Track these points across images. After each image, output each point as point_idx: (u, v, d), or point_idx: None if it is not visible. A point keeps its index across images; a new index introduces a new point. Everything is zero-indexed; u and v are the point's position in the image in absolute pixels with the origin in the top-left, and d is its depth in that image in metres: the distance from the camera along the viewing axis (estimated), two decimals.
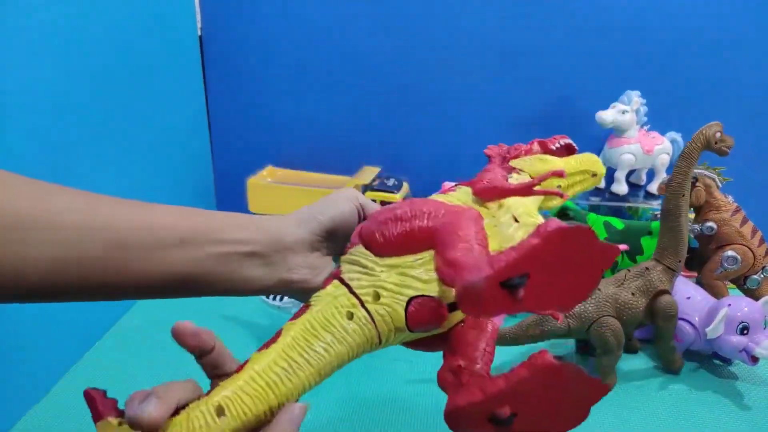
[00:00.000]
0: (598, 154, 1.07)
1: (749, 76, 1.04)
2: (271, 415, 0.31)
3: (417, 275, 0.34)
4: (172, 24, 0.98)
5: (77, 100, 0.73)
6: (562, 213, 0.95)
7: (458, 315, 0.35)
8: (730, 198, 0.85)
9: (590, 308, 0.71)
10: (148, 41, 0.89)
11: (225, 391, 0.30)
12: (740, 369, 0.77)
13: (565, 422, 0.31)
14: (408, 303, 0.34)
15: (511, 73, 1.08)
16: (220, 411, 0.30)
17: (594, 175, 0.51)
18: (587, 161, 0.51)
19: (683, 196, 0.71)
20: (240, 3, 1.09)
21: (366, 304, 0.34)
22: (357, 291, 0.34)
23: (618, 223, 0.93)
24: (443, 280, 0.33)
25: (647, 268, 0.73)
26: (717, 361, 0.79)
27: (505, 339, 0.72)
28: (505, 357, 0.79)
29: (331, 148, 1.15)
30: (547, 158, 0.49)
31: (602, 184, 1.07)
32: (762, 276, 0.84)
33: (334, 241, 0.42)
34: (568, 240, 0.26)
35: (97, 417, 0.30)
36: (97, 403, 0.31)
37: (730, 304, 0.71)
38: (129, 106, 0.84)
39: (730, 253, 0.82)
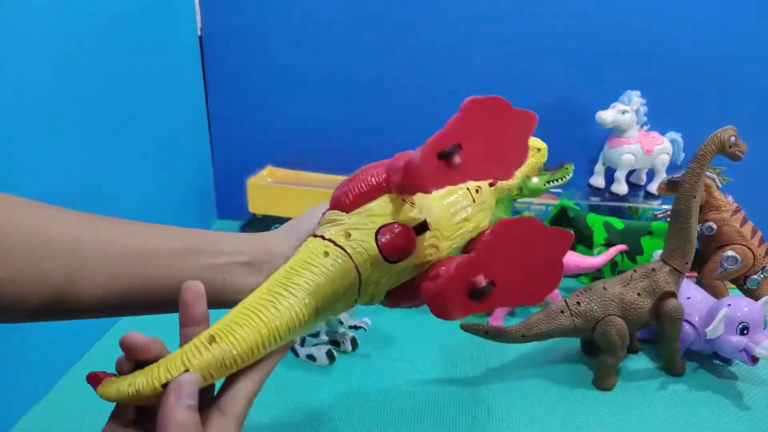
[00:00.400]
0: (598, 154, 1.07)
1: (749, 76, 1.04)
2: (262, 348, 0.32)
3: (381, 211, 0.36)
4: (172, 24, 0.98)
5: (77, 101, 0.73)
6: (562, 212, 0.95)
7: (427, 239, 0.37)
8: (730, 198, 0.85)
9: (596, 307, 0.71)
10: (148, 41, 0.89)
11: (216, 324, 0.32)
12: (740, 369, 0.77)
13: (541, 284, 0.32)
14: (377, 233, 0.36)
15: (512, 74, 1.08)
16: (211, 340, 0.31)
17: (538, 149, 0.53)
18: (530, 142, 0.53)
19: (695, 197, 0.71)
20: (240, 3, 1.09)
21: (338, 243, 0.36)
22: (329, 237, 0.36)
23: (618, 223, 0.93)
24: (397, 186, 0.36)
25: (654, 269, 0.73)
26: (717, 361, 0.79)
27: (511, 337, 0.72)
28: (512, 356, 0.79)
29: (331, 148, 1.15)
30: None
31: (602, 184, 1.07)
32: (762, 276, 0.84)
33: None
34: (484, 108, 0.31)
35: (98, 382, 0.32)
36: (100, 377, 0.32)
37: (730, 304, 0.71)
38: (129, 106, 0.84)
39: (730, 253, 0.82)
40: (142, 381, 0.30)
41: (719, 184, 0.85)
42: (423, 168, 0.31)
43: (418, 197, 0.38)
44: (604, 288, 0.73)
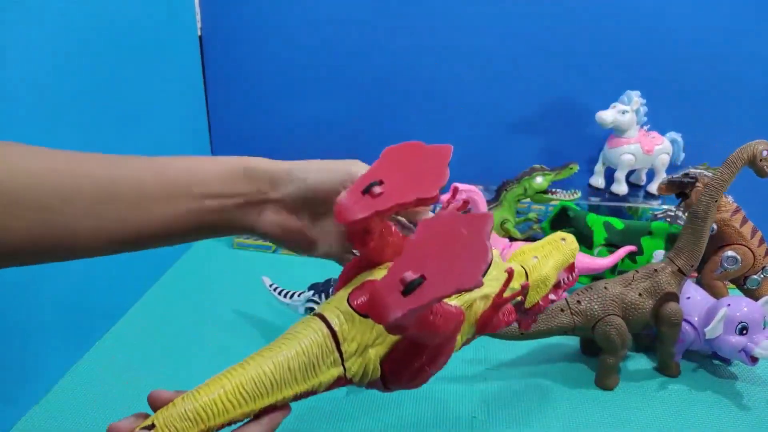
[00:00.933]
0: (598, 154, 1.07)
1: (749, 76, 1.04)
2: (228, 402, 0.33)
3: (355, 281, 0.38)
4: (172, 24, 0.98)
5: (77, 100, 0.73)
6: (562, 213, 0.95)
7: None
8: (730, 198, 0.85)
9: (596, 306, 0.72)
10: (148, 41, 0.89)
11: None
12: (740, 369, 0.77)
13: (471, 266, 0.31)
14: (350, 292, 0.37)
15: (512, 74, 1.08)
16: (182, 398, 0.33)
17: (563, 239, 0.51)
18: (553, 236, 0.52)
19: (716, 201, 0.71)
20: (240, 3, 1.09)
21: (317, 311, 0.37)
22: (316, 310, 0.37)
23: (618, 223, 0.93)
24: (347, 229, 0.37)
25: (656, 270, 0.73)
26: (717, 362, 0.79)
27: (511, 334, 0.72)
28: (512, 356, 0.79)
29: (331, 148, 1.15)
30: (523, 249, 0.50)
31: (602, 184, 1.07)
32: (762, 276, 0.84)
33: (312, 206, 0.43)
34: (401, 151, 0.37)
35: None
36: None
37: (729, 304, 0.71)
38: (129, 106, 0.84)
39: (730, 253, 0.82)
40: None
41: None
42: (348, 201, 0.35)
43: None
44: (605, 288, 0.73)
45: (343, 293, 0.37)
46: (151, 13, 0.90)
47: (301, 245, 0.44)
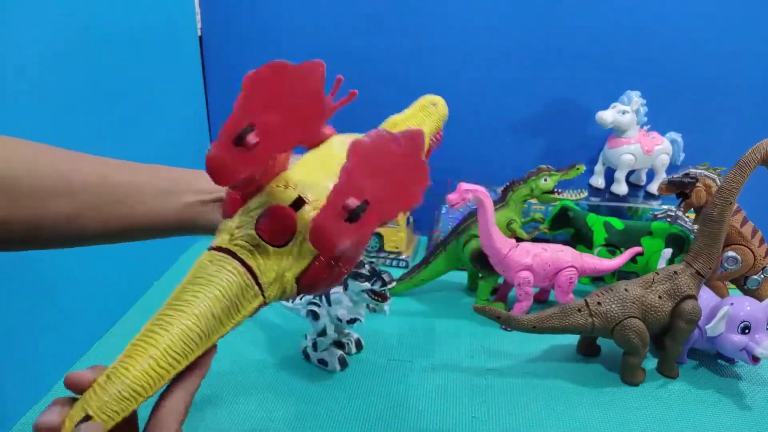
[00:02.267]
0: (598, 154, 1.07)
1: (749, 76, 1.04)
2: (161, 369, 0.31)
3: (256, 205, 0.36)
4: (172, 24, 0.98)
5: (77, 100, 0.72)
6: (562, 213, 0.95)
7: (308, 212, 0.36)
8: None
9: (616, 308, 0.71)
10: (149, 41, 0.89)
11: (113, 363, 0.32)
12: (741, 369, 0.77)
13: (412, 188, 0.33)
14: (255, 224, 0.35)
15: (512, 74, 1.08)
16: (107, 379, 0.31)
17: (434, 104, 0.52)
18: (423, 100, 0.53)
19: (731, 204, 0.71)
20: (240, 3, 1.09)
21: (222, 247, 0.35)
22: (215, 245, 0.36)
23: (618, 224, 0.93)
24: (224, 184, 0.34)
25: (676, 272, 0.73)
26: (720, 361, 0.79)
27: (522, 326, 0.73)
28: (512, 356, 0.79)
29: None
30: (395, 119, 0.51)
31: (602, 185, 1.07)
32: (762, 276, 0.84)
33: None
34: (264, 78, 0.33)
35: None
36: None
37: (732, 303, 0.71)
38: (129, 106, 0.84)
39: (730, 253, 0.82)
40: None
41: (719, 184, 0.85)
42: (219, 160, 0.32)
43: (295, 176, 0.37)
44: (626, 289, 0.73)
45: (245, 221, 0.35)
46: (151, 13, 0.90)
47: None
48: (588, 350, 0.79)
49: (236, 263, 0.34)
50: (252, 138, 0.31)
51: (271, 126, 0.32)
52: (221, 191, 0.43)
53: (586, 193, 0.92)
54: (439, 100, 0.52)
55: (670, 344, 0.74)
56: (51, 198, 0.39)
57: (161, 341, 0.31)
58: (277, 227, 0.35)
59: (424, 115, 0.51)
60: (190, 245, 1.05)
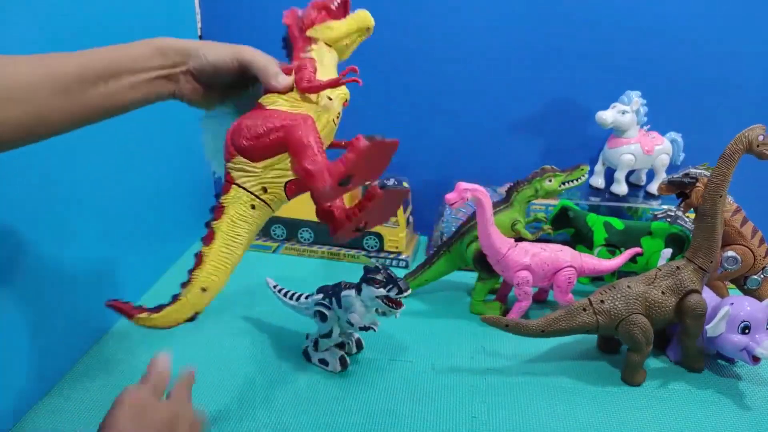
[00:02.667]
0: (598, 154, 1.07)
1: (749, 76, 1.04)
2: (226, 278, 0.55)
3: (285, 168, 0.52)
4: (172, 24, 0.98)
5: None
6: (563, 213, 0.95)
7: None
8: (730, 198, 0.85)
9: (620, 305, 0.72)
10: None
11: (199, 276, 0.53)
12: (742, 369, 0.78)
13: (378, 171, 0.55)
14: (285, 186, 0.53)
15: (512, 73, 1.08)
16: (203, 290, 0.53)
17: (368, 29, 0.62)
18: (360, 19, 0.60)
19: (721, 196, 0.71)
20: (240, 3, 1.09)
21: (261, 197, 0.53)
22: (251, 189, 0.53)
23: (618, 224, 0.93)
24: (303, 180, 0.51)
25: (678, 268, 0.74)
26: (720, 361, 0.79)
27: (531, 331, 0.73)
28: (512, 357, 0.79)
29: (330, 149, 1.15)
30: (332, 25, 0.59)
31: (602, 185, 1.07)
32: (762, 276, 0.84)
33: (210, 76, 0.54)
34: (371, 150, 0.48)
35: (129, 316, 0.54)
36: (124, 309, 0.54)
37: (732, 303, 0.71)
38: None
39: (730, 253, 0.82)
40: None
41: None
42: (332, 194, 0.52)
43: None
44: (629, 286, 0.73)
45: (279, 183, 0.53)
46: (151, 13, 0.90)
47: (207, 104, 0.57)
48: (607, 347, 0.79)
49: (271, 212, 0.55)
50: (350, 185, 0.50)
51: (361, 175, 0.51)
52: (161, 67, 0.52)
53: (587, 167, 0.91)
54: (371, 25, 0.62)
55: (684, 341, 0.75)
56: (26, 97, 0.46)
57: (233, 261, 0.54)
58: (300, 190, 0.54)
59: (357, 36, 0.64)
60: (189, 245, 1.05)
